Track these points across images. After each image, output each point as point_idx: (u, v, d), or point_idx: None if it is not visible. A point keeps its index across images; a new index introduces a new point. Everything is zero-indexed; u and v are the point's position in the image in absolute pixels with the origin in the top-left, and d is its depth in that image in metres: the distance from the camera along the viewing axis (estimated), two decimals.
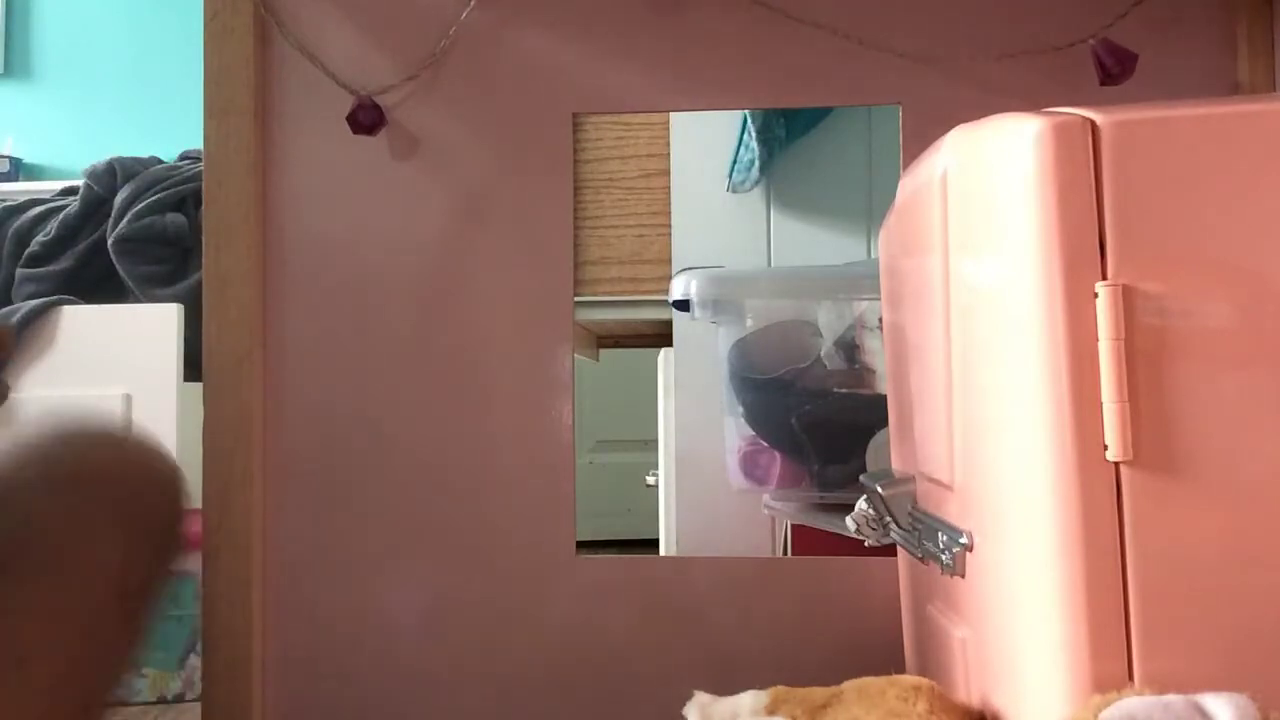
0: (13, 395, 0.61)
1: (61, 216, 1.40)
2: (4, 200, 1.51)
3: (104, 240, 1.36)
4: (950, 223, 0.52)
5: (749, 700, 0.57)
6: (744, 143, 1.56)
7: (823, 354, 1.02)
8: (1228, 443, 0.41)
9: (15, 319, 1.20)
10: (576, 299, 0.76)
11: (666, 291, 1.13)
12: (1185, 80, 0.70)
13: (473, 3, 0.74)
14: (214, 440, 0.74)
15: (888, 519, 0.61)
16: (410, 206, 0.75)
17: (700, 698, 0.58)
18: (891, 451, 0.67)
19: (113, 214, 1.38)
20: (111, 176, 1.41)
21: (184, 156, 1.50)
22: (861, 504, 0.67)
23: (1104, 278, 0.42)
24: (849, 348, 1.02)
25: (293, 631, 0.75)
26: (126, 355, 1.18)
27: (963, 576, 0.52)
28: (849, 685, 0.54)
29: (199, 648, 0.78)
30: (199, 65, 0.73)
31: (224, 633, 0.73)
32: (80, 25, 2.64)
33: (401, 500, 0.75)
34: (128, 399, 1.16)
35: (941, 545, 0.53)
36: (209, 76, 0.74)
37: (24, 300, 1.28)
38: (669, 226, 1.63)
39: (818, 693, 0.55)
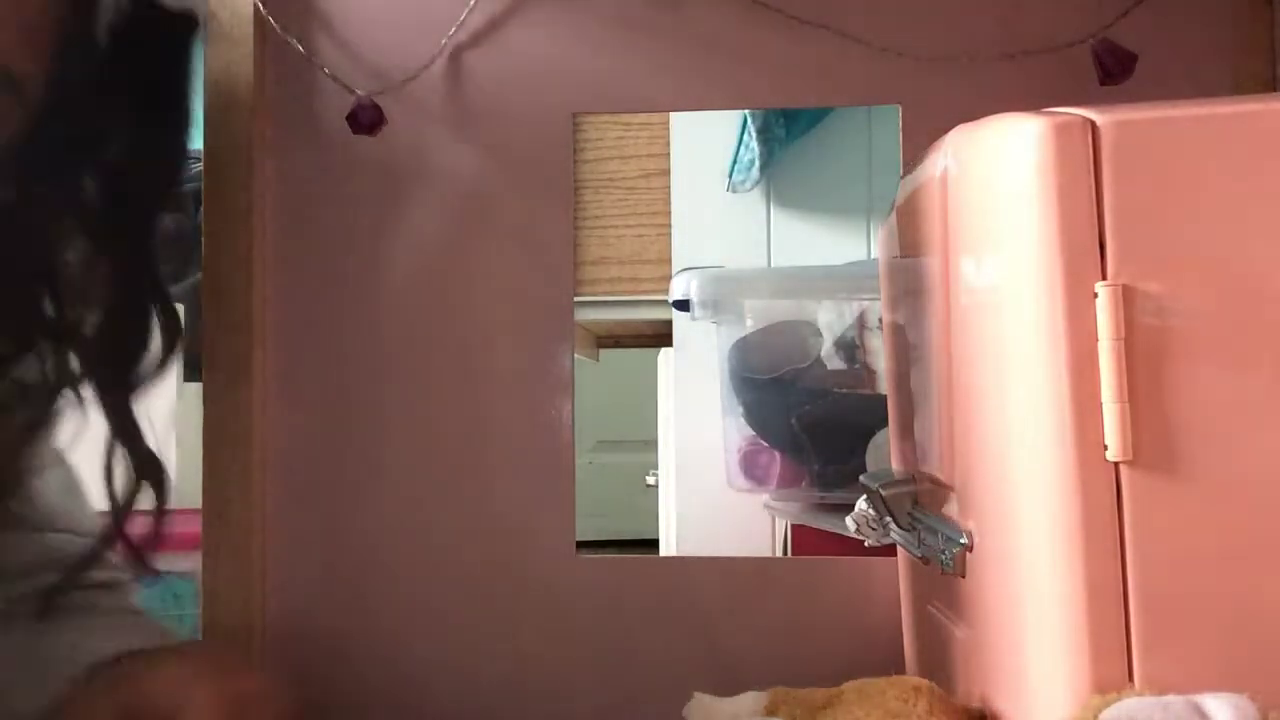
0: None
1: None
2: None
3: None
4: (950, 223, 0.52)
5: (749, 701, 0.57)
6: (744, 143, 1.56)
7: (823, 354, 1.02)
8: (1228, 443, 0.41)
9: None
10: (576, 299, 0.75)
11: (666, 291, 1.13)
12: (1185, 80, 0.70)
13: (473, 3, 0.74)
14: (214, 440, 0.74)
15: (888, 519, 0.61)
16: (409, 206, 0.75)
17: (700, 698, 0.58)
18: (891, 451, 0.68)
19: None
20: None
21: None
22: (861, 504, 0.67)
23: (1104, 278, 0.42)
24: (849, 348, 1.02)
25: (293, 632, 0.75)
26: None
27: (963, 576, 0.52)
28: (849, 686, 0.54)
29: None
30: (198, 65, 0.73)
31: (224, 633, 0.73)
32: None
33: (401, 500, 0.75)
34: None
35: (941, 545, 0.53)
36: (209, 76, 0.74)
37: None
38: (669, 226, 1.63)
39: (818, 693, 0.55)
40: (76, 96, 0.57)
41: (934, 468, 0.56)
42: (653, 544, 1.43)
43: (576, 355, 0.75)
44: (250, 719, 0.54)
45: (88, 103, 0.58)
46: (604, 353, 1.75)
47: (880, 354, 0.93)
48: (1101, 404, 0.41)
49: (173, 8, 0.61)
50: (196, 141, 0.70)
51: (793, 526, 1.02)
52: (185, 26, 0.63)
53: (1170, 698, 0.38)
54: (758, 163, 1.55)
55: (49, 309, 0.63)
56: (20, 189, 0.59)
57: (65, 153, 0.59)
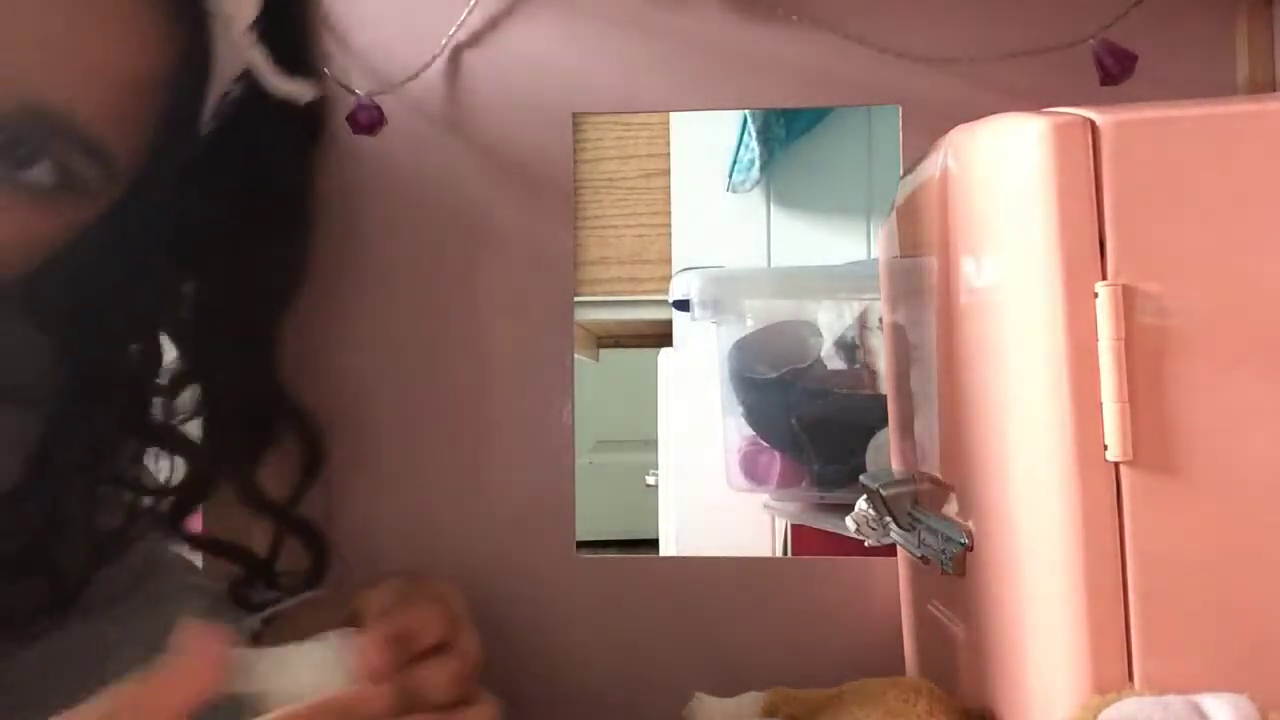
0: None
1: None
2: None
3: None
4: (950, 223, 0.52)
5: (749, 701, 0.57)
6: (744, 143, 1.56)
7: (823, 354, 1.02)
8: (1228, 443, 0.41)
9: None
10: (576, 299, 0.75)
11: (666, 291, 1.13)
12: (1185, 80, 0.70)
13: (473, 3, 0.74)
14: None
15: (888, 519, 0.61)
16: (409, 207, 0.75)
17: (700, 698, 0.58)
18: (891, 451, 0.68)
19: None
20: None
21: None
22: (861, 504, 0.67)
23: (1104, 278, 0.42)
24: (849, 348, 1.02)
25: None
26: None
27: (963, 576, 0.52)
28: (849, 687, 0.55)
29: None
30: None
31: None
32: None
33: (400, 499, 0.75)
34: None
35: (941, 545, 0.53)
36: None
37: None
38: (669, 226, 1.63)
39: (818, 694, 0.56)
40: (174, 179, 0.56)
41: (934, 468, 0.56)
42: (653, 544, 1.43)
43: (576, 355, 0.75)
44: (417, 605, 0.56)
45: (188, 187, 0.56)
46: (604, 353, 1.75)
47: (880, 354, 0.93)
48: (1101, 404, 0.41)
49: (291, 102, 0.58)
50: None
51: (793, 526, 1.02)
52: (306, 123, 0.61)
53: (1170, 698, 0.38)
54: (758, 163, 1.55)
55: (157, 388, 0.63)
56: (108, 263, 0.58)
57: (161, 232, 0.58)
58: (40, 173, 0.48)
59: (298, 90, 0.57)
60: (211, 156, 0.57)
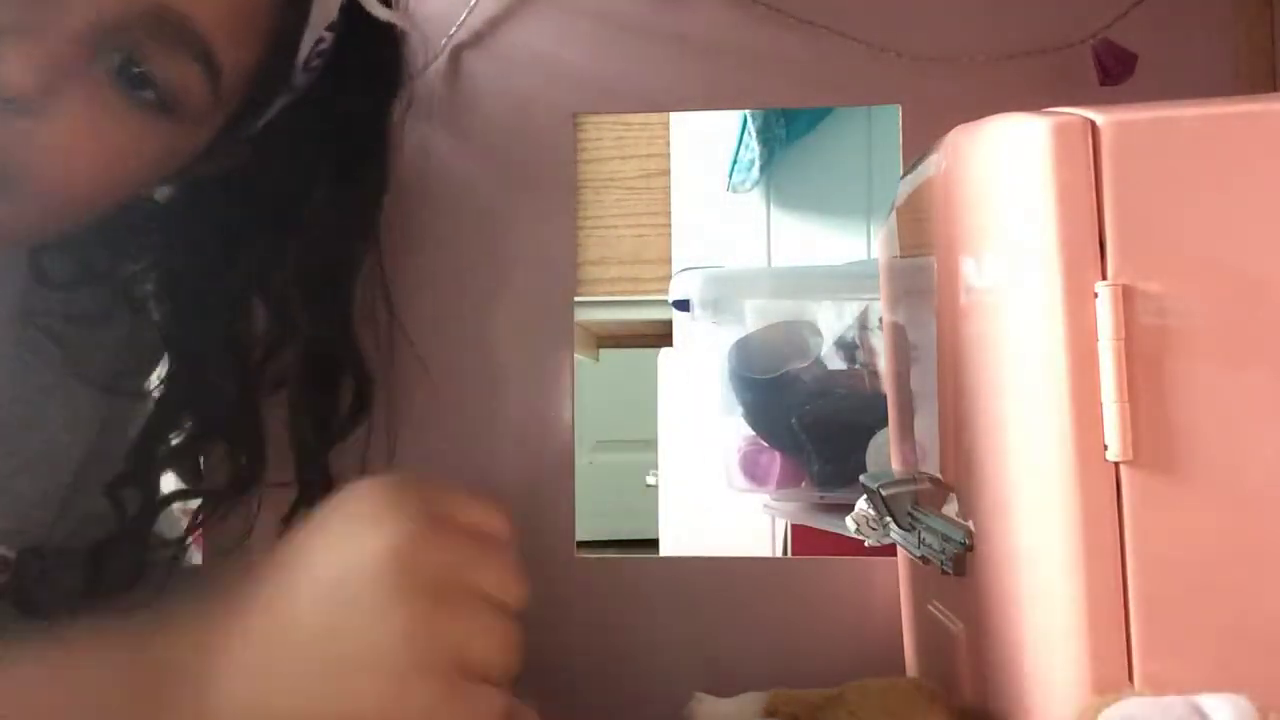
0: None
1: None
2: None
3: None
4: (950, 223, 0.52)
5: (749, 701, 0.57)
6: (744, 143, 1.56)
7: (823, 354, 1.02)
8: (1228, 443, 0.41)
9: None
10: (576, 299, 0.75)
11: (666, 291, 1.13)
12: (1185, 80, 0.70)
13: (473, 3, 0.74)
14: None
15: (888, 519, 0.61)
16: (410, 207, 0.75)
17: (700, 698, 0.58)
18: (891, 451, 0.67)
19: None
20: None
21: None
22: (861, 504, 0.67)
23: (1104, 278, 0.42)
24: (849, 348, 1.02)
25: None
26: None
27: (963, 576, 0.52)
28: (849, 686, 0.54)
29: None
30: None
31: None
32: None
33: None
34: None
35: (941, 545, 0.53)
36: None
37: None
38: (669, 226, 1.63)
39: (817, 694, 0.55)
40: (277, 99, 0.58)
41: (934, 468, 0.56)
42: (653, 544, 1.43)
43: (576, 355, 0.75)
44: None
45: (281, 142, 0.59)
46: (604, 353, 1.75)
47: (880, 354, 0.93)
48: (1101, 404, 0.41)
49: (375, 51, 0.61)
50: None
51: (793, 526, 1.02)
52: (388, 72, 0.64)
53: (1170, 698, 0.38)
54: (758, 163, 1.55)
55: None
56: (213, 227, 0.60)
57: (260, 191, 0.61)
58: (150, 93, 0.51)
59: (399, 19, 0.61)
60: (304, 109, 0.60)
